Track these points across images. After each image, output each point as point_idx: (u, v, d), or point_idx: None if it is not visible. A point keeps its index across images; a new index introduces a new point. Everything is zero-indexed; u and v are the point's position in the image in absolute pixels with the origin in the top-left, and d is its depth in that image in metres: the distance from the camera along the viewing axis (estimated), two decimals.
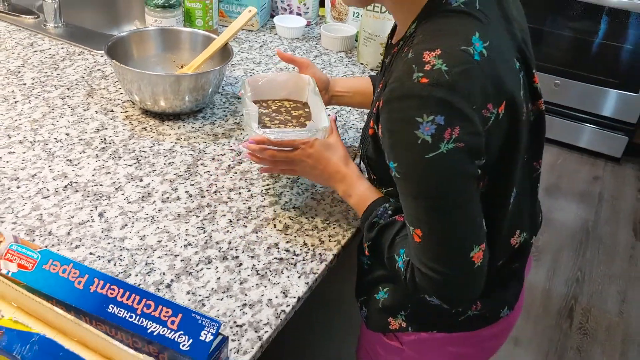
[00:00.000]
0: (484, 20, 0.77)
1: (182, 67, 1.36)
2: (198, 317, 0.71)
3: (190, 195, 1.05)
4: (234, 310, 0.84)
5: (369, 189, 0.92)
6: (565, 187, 2.89)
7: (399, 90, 0.73)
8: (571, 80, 2.97)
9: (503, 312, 0.98)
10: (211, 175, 1.11)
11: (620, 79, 2.90)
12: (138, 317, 0.73)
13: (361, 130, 1.25)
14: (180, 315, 0.72)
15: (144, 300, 0.74)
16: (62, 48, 1.51)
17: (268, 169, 1.01)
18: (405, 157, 0.75)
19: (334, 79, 1.16)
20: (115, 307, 0.74)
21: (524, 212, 0.93)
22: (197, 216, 1.01)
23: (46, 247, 0.88)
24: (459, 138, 0.72)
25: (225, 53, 1.31)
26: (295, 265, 0.93)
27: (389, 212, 0.88)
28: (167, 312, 0.73)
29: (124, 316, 0.73)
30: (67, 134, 1.18)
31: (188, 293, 0.86)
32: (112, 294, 0.75)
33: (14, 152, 1.12)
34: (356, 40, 1.64)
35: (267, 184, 1.10)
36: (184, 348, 0.70)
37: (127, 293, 0.75)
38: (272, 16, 1.76)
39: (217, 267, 0.91)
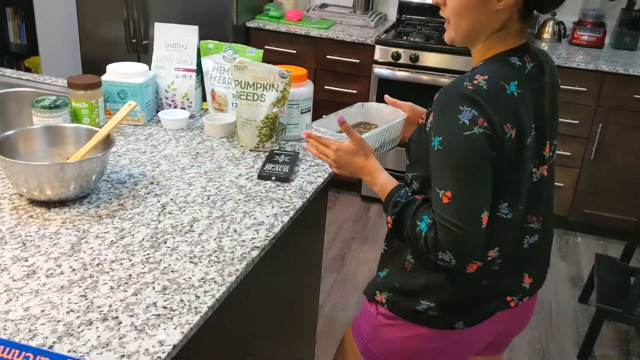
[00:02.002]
0: (524, 80, 1.12)
1: (67, 159, 1.47)
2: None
3: (74, 270, 1.14)
4: None
5: (388, 179, 1.24)
6: None
7: (452, 88, 1.08)
8: None
9: (458, 324, 1.22)
10: (94, 250, 1.20)
11: None
12: None
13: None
14: None
15: (23, 353, 0.81)
16: None
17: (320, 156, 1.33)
18: (449, 132, 1.06)
19: None
20: None
21: (509, 242, 1.20)
22: (79, 286, 1.09)
23: None
24: (487, 127, 1.05)
25: (108, 143, 1.43)
26: (172, 319, 1.03)
27: (409, 194, 1.18)
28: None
29: None
30: None
31: (69, 351, 0.94)
32: None
33: None
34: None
35: (148, 254, 1.20)
36: None
37: (7, 349, 0.82)
38: (159, 111, 1.91)
39: (97, 327, 0.99)
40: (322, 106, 3.47)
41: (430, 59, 3.20)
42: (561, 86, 3.22)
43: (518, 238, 1.22)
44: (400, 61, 3.25)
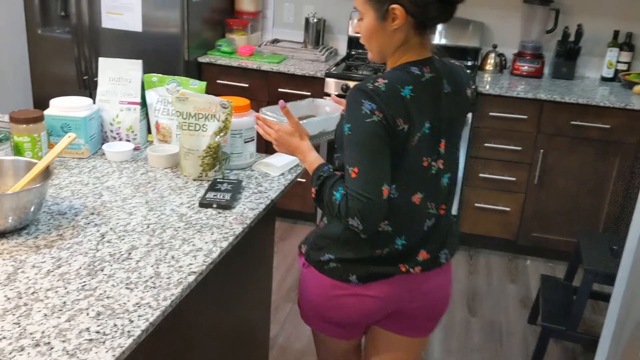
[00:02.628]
0: (420, 86, 1.35)
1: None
2: None
3: (9, 298, 1.14)
4: None
5: (316, 158, 1.47)
6: None
7: (358, 87, 1.33)
8: None
9: (352, 278, 1.45)
10: (30, 280, 1.21)
11: None
12: None
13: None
14: None
15: None
16: None
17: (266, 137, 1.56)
18: (354, 120, 1.31)
19: None
20: None
21: (407, 219, 1.42)
22: (13, 314, 1.10)
23: None
24: (383, 118, 1.30)
25: (48, 175, 1.45)
26: (104, 342, 1.04)
27: (330, 170, 1.41)
28: None
29: None
30: None
31: None
32: None
33: None
34: None
35: (84, 282, 1.22)
36: None
37: None
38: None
39: (29, 353, 1.00)
40: None
41: None
42: (504, 114, 3.32)
43: (420, 221, 1.45)
44: None
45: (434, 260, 1.49)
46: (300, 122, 1.54)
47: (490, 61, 3.59)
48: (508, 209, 3.34)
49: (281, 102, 1.51)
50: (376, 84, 1.32)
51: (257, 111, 1.93)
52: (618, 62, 3.46)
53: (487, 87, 3.23)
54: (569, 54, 3.44)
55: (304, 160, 1.49)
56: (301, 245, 1.56)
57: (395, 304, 1.49)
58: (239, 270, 1.75)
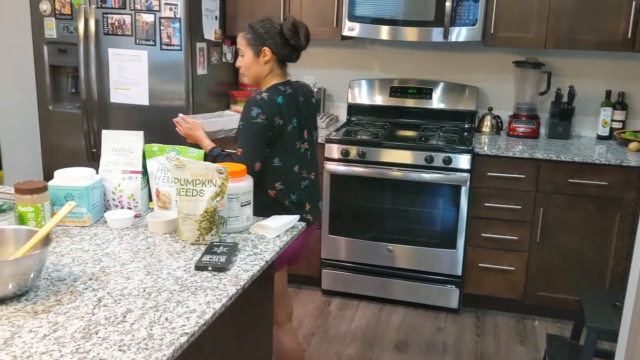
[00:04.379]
0: (287, 97, 2.21)
1: None
2: None
3: None
4: None
5: (210, 143, 2.28)
6: (412, 341, 3.14)
7: (250, 98, 2.16)
8: (400, 244, 3.38)
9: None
10: (26, 344, 1.24)
11: (439, 239, 3.35)
12: None
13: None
14: None
15: None
16: None
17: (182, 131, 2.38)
18: (245, 120, 2.14)
19: None
20: None
21: (293, 181, 2.26)
22: None
23: None
24: (264, 119, 2.13)
25: (48, 242, 1.50)
26: None
27: (219, 150, 2.23)
28: None
29: None
30: None
31: None
32: None
33: None
34: None
35: (79, 345, 1.24)
36: None
37: None
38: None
39: None
40: None
41: (377, 154, 3.37)
42: (502, 174, 3.37)
43: (298, 182, 2.27)
44: (350, 157, 3.41)
45: (315, 209, 2.35)
46: (201, 121, 2.37)
47: (487, 123, 3.67)
48: (512, 268, 3.33)
49: (180, 115, 2.37)
50: (262, 95, 2.16)
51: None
52: (612, 120, 3.53)
53: (485, 148, 3.29)
54: (563, 114, 3.52)
55: (203, 145, 2.26)
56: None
57: (300, 245, 2.25)
58: (236, 334, 1.76)
